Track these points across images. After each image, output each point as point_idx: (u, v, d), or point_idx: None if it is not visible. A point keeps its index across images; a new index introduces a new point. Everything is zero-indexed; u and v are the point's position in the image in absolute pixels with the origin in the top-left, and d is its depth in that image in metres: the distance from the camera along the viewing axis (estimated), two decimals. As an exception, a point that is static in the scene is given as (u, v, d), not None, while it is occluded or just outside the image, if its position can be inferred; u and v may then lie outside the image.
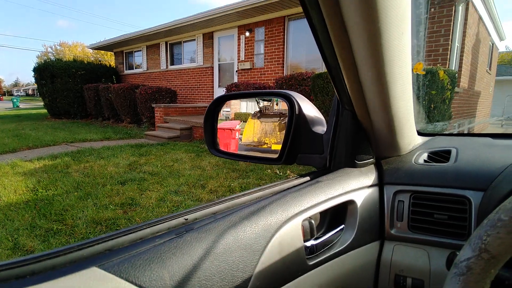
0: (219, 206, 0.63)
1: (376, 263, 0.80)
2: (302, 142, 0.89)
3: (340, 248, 0.73)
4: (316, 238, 0.71)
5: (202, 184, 4.47)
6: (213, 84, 10.79)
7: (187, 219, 0.58)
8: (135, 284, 0.43)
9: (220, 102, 1.04)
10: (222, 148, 1.05)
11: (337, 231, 0.77)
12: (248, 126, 1.03)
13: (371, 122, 0.80)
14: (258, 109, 1.00)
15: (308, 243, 0.68)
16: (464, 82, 8.16)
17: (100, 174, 4.92)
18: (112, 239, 0.49)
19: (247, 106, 1.03)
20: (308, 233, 0.68)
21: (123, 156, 6.19)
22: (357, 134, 0.84)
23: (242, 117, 1.04)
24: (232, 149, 1.04)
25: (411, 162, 0.88)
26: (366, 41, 0.57)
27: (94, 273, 0.42)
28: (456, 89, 6.93)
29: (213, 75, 10.73)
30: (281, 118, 0.97)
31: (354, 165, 0.85)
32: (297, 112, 0.86)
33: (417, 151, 0.93)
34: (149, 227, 0.53)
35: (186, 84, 11.60)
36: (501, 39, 13.85)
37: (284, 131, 0.89)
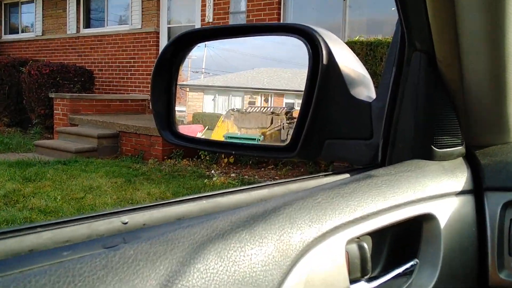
0: (188, 204, 0.62)
1: None
2: (333, 118, 0.89)
3: None
4: (371, 279, 0.69)
5: (135, 233, 4.44)
6: (157, 61, 10.79)
7: (126, 222, 0.56)
8: None
9: (185, 44, 1.01)
10: (185, 132, 1.04)
11: (405, 270, 0.74)
12: (217, 133, 1.03)
13: (462, 71, 0.78)
14: (234, 108, 1.00)
15: (357, 286, 0.66)
16: None
17: (-48, 214, 4.76)
18: None
19: (216, 103, 1.03)
20: (357, 267, 0.65)
21: (-5, 182, 6.04)
22: (437, 97, 0.83)
23: (207, 121, 1.05)
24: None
25: None
26: None
27: None
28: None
29: (158, 45, 10.74)
30: (275, 122, 0.97)
31: (430, 156, 0.84)
32: (324, 62, 0.85)
33: None
34: (49, 230, 0.50)
35: (111, 61, 11.53)
36: None
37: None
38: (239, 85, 1.04)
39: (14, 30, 14.25)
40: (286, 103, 0.96)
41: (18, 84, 10.52)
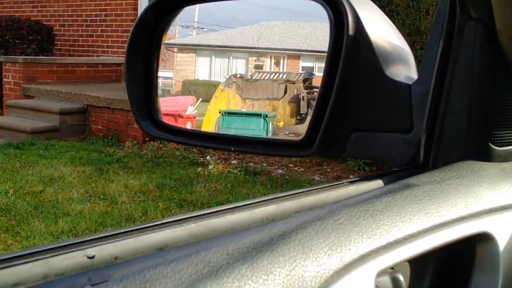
0: (173, 229, 0.64)
1: None
2: (362, 105, 0.91)
3: None
4: None
5: (109, 236, 4.48)
6: (136, 13, 10.74)
7: (93, 256, 0.57)
8: None
9: (170, 7, 1.03)
10: (172, 104, 1.05)
11: None
12: (216, 106, 1.03)
13: None
14: (237, 74, 1.00)
15: None
16: None
17: None
18: None
19: (213, 67, 1.03)
20: None
21: None
22: (496, 79, 0.84)
23: (201, 90, 1.05)
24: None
25: None
26: None
27: None
28: None
29: (136, -7, 10.68)
30: (289, 92, 0.98)
31: (487, 156, 0.86)
32: (350, 32, 0.87)
33: None
34: None
35: (76, 13, 11.49)
36: None
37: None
38: (243, 44, 1.04)
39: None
40: (303, 68, 0.96)
41: (-44, 44, 10.52)
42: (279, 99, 0.99)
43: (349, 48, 0.86)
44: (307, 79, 0.98)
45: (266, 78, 1.02)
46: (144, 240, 0.60)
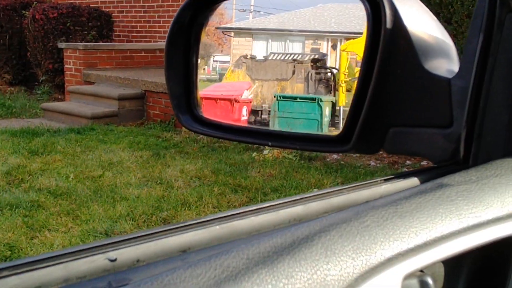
0: (195, 232, 0.64)
1: None
2: (400, 100, 0.90)
3: None
4: None
5: (165, 219, 4.57)
6: None
7: (115, 259, 0.57)
8: None
9: (207, 2, 1.04)
10: (210, 116, 1.07)
11: None
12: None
13: None
14: (247, 55, 1.00)
15: None
16: None
17: None
18: None
19: (269, 50, 1.03)
20: None
21: (-4, 154, 6.28)
22: None
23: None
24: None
25: None
26: None
27: None
28: None
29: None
30: (297, 72, 0.97)
31: None
32: (388, 25, 0.86)
33: None
34: (16, 274, 0.52)
35: (133, 0, 11.64)
36: None
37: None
38: (298, 28, 1.03)
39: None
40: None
41: (20, 32, 10.81)
42: (288, 80, 0.99)
43: (387, 41, 0.85)
44: (319, 60, 0.98)
45: (276, 59, 1.02)
46: (166, 242, 0.60)
